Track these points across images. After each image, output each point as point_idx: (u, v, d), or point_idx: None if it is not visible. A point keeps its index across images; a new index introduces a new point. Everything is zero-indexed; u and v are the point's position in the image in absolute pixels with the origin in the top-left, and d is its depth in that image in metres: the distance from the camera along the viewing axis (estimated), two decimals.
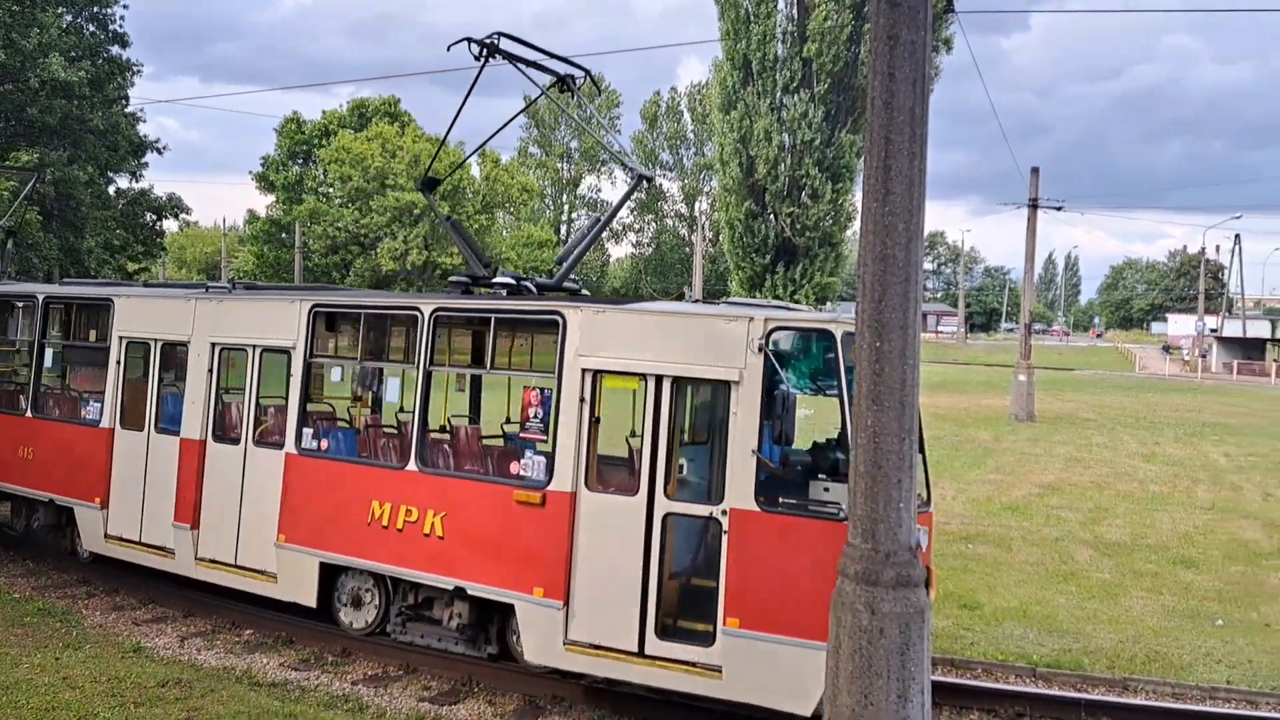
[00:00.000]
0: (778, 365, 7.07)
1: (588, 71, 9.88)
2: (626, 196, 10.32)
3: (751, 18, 38.75)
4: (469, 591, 8.33)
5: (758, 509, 7.01)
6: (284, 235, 53.84)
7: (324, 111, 58.21)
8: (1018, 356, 31.94)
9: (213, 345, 10.18)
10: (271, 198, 57.22)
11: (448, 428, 9.82)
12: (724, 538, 7.11)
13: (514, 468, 8.26)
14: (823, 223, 40.63)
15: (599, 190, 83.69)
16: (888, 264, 5.03)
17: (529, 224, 62.04)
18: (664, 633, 7.37)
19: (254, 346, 9.92)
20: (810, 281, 41.24)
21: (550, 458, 7.92)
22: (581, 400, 7.79)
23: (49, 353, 11.93)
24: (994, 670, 8.99)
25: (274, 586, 9.40)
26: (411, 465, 8.68)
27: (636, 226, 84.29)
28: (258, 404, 9.87)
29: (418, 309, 8.85)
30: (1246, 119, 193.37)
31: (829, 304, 46.20)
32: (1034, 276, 34.55)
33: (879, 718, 4.97)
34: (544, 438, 8.11)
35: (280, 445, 9.49)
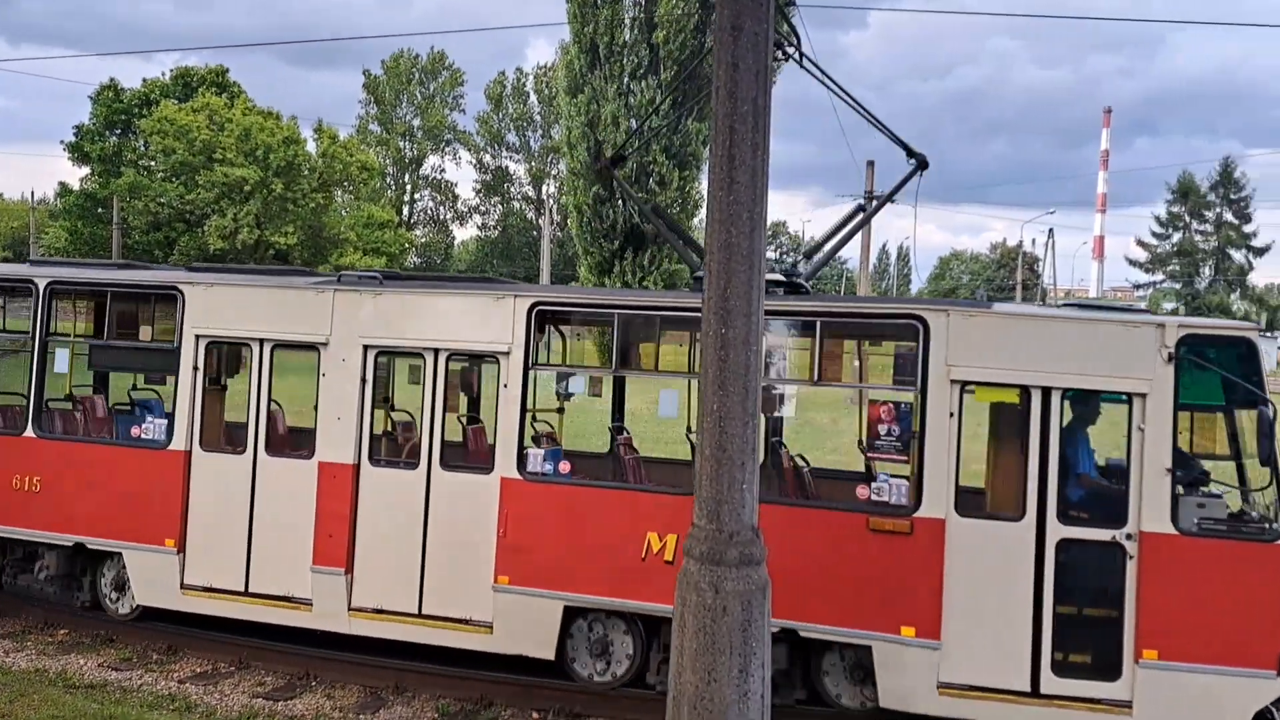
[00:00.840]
0: (1191, 375, 6.67)
1: None
2: (903, 183, 9.25)
3: (600, 2, 38.76)
4: (801, 634, 7.35)
5: (1175, 532, 6.67)
6: (100, 210, 50.43)
7: (145, 80, 54.81)
8: None
9: (365, 348, 8.43)
10: (86, 170, 53.51)
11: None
12: (1130, 563, 6.76)
13: (862, 492, 7.32)
14: (670, 210, 41.18)
15: (443, 170, 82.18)
16: (732, 252, 5.14)
17: (369, 204, 60.27)
18: (1060, 670, 6.84)
19: (436, 350, 8.34)
20: (659, 269, 41.74)
21: (917, 480, 7.11)
22: (950, 415, 7.05)
23: (59, 354, 9.42)
24: None
25: (488, 638, 8.00)
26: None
27: (483, 209, 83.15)
28: (443, 420, 8.33)
29: (916, 322, 7.32)
30: (1062, 120, 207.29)
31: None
32: (869, 266, 36.07)
33: (721, 692, 5.10)
34: (903, 458, 7.29)
35: (488, 469, 8.16)
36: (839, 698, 7.54)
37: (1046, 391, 6.94)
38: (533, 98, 79.03)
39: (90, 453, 9.15)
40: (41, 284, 9.32)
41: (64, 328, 9.69)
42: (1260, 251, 67.76)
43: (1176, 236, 69.11)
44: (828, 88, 8.60)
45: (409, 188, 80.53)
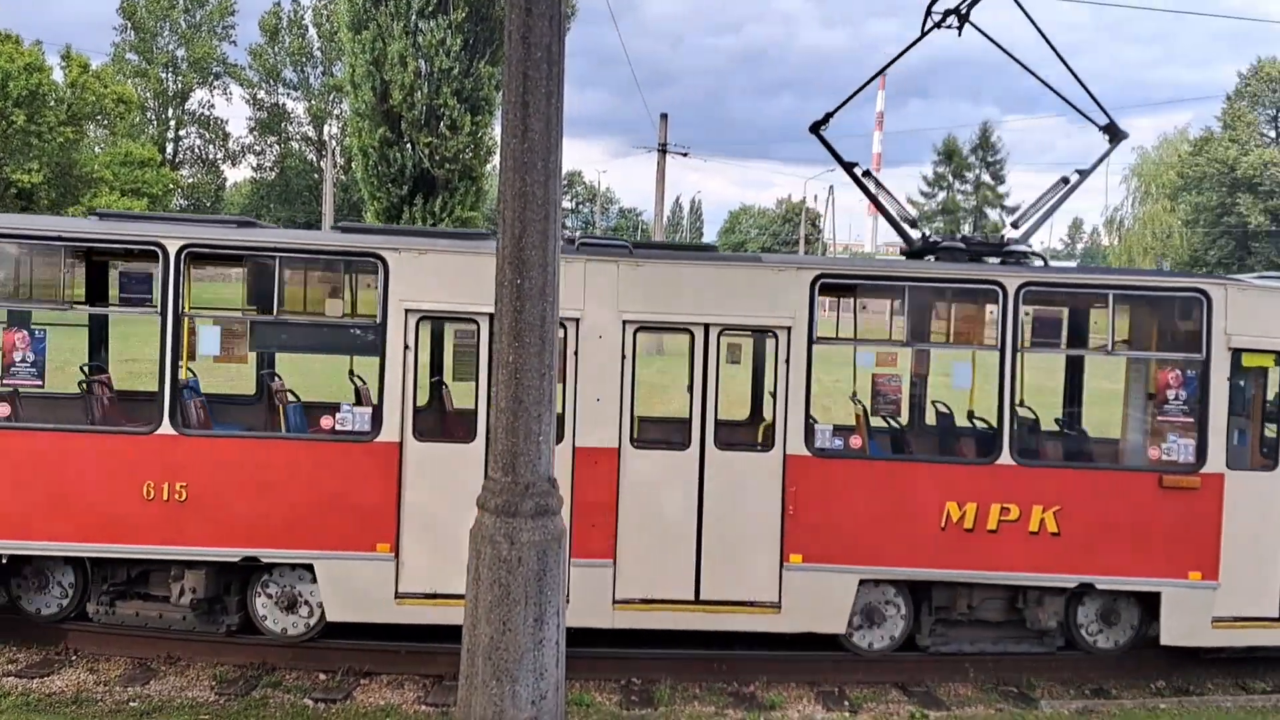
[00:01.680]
0: None
1: None
2: (1103, 158, 9.31)
3: None
4: (1098, 586, 8.10)
5: None
6: None
7: None
8: None
9: (625, 323, 7.88)
10: None
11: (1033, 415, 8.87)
12: None
13: (1154, 454, 8.12)
14: (463, 155, 40.12)
15: (211, 106, 76.47)
16: (527, 201, 5.06)
17: (127, 140, 55.40)
18: None
19: (707, 326, 7.94)
20: (451, 215, 40.74)
21: (1201, 440, 7.94)
22: (1227, 380, 7.87)
23: (205, 332, 7.85)
24: None
25: (775, 618, 7.93)
26: (1005, 459, 7.91)
27: (258, 149, 78.19)
28: (716, 398, 7.95)
29: (999, 284, 7.87)
30: (843, 80, 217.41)
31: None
32: (664, 218, 36.66)
33: (516, 642, 5.12)
34: (1190, 420, 8.01)
35: (768, 447, 7.95)
36: (1095, 643, 8.46)
37: None
38: (312, 31, 74.73)
39: (261, 450, 7.77)
40: (173, 247, 7.62)
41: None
42: (1012, 210, 73.95)
43: (941, 195, 74.28)
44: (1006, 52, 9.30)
45: (173, 124, 74.56)
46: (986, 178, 73.32)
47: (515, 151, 5.05)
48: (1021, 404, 8.56)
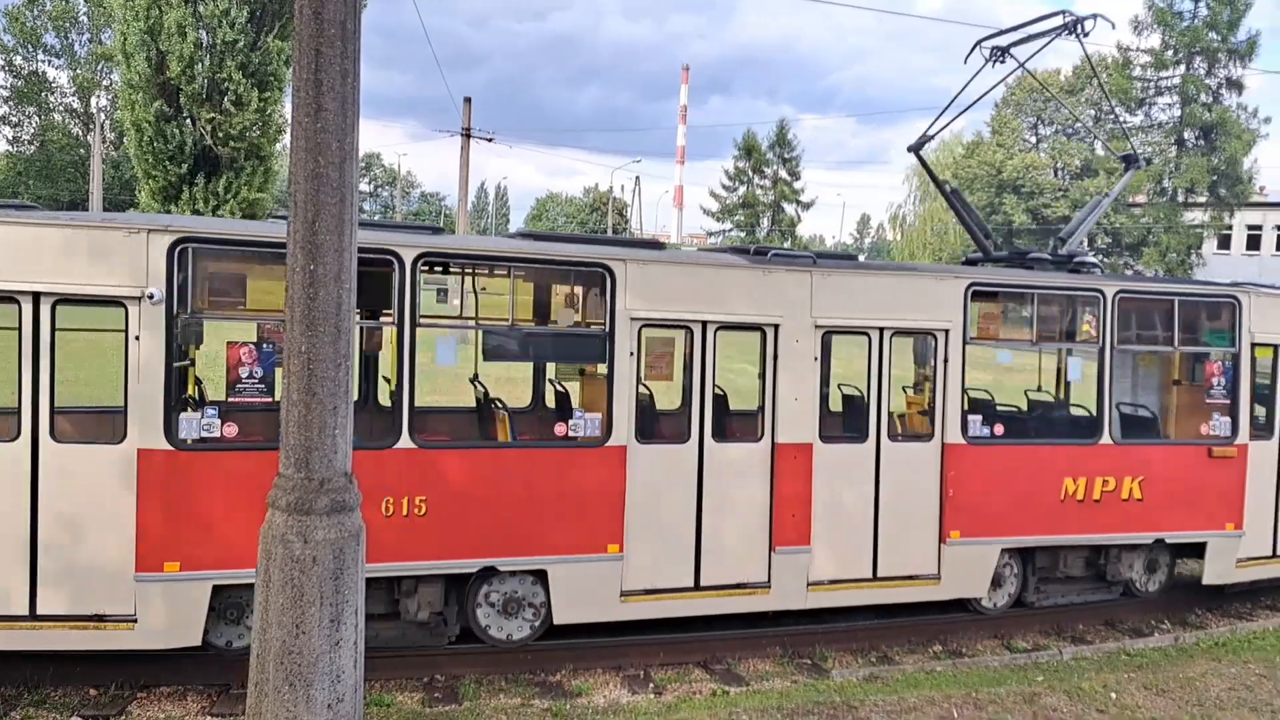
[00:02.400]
0: None
1: None
2: (1124, 184, 11.34)
3: None
4: (1167, 540, 9.97)
5: None
6: None
7: None
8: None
9: (816, 328, 8.53)
10: None
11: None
12: None
13: (1204, 429, 10.02)
14: (249, 133, 38.03)
15: None
16: (321, 183, 4.84)
17: None
18: None
19: (881, 329, 8.87)
20: (236, 196, 38.53)
21: (1234, 419, 10.03)
22: (1251, 372, 10.05)
23: (443, 344, 7.87)
24: None
25: (934, 589, 9.08)
26: (1106, 439, 9.50)
27: (14, 120, 71.14)
28: (889, 394, 8.91)
29: (1100, 291, 9.51)
30: (648, 73, 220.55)
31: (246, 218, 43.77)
32: (468, 204, 36.04)
33: (310, 644, 4.91)
34: (1227, 401, 10.00)
35: (929, 436, 9.01)
36: (1146, 589, 10.25)
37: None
38: None
39: (497, 459, 7.83)
40: (409, 256, 7.43)
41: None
42: (807, 206, 77.40)
43: (742, 190, 76.81)
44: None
45: None
46: (784, 174, 76.52)
47: (308, 131, 4.81)
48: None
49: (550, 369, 9.94)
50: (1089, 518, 9.49)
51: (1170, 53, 58.18)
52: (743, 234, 77.29)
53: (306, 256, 4.86)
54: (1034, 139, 68.79)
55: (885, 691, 7.54)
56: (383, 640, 7.72)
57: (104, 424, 7.40)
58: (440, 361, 7.83)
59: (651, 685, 8.03)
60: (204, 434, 7.05)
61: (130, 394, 6.89)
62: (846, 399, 9.53)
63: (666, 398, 9.11)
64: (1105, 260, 60.54)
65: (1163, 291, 10.19)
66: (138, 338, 6.88)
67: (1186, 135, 58.88)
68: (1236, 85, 57.67)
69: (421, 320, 7.54)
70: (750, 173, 76.60)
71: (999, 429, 9.34)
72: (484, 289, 8.95)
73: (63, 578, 6.81)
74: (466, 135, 32.18)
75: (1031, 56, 10.85)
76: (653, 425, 8.60)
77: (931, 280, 9.10)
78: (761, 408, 8.55)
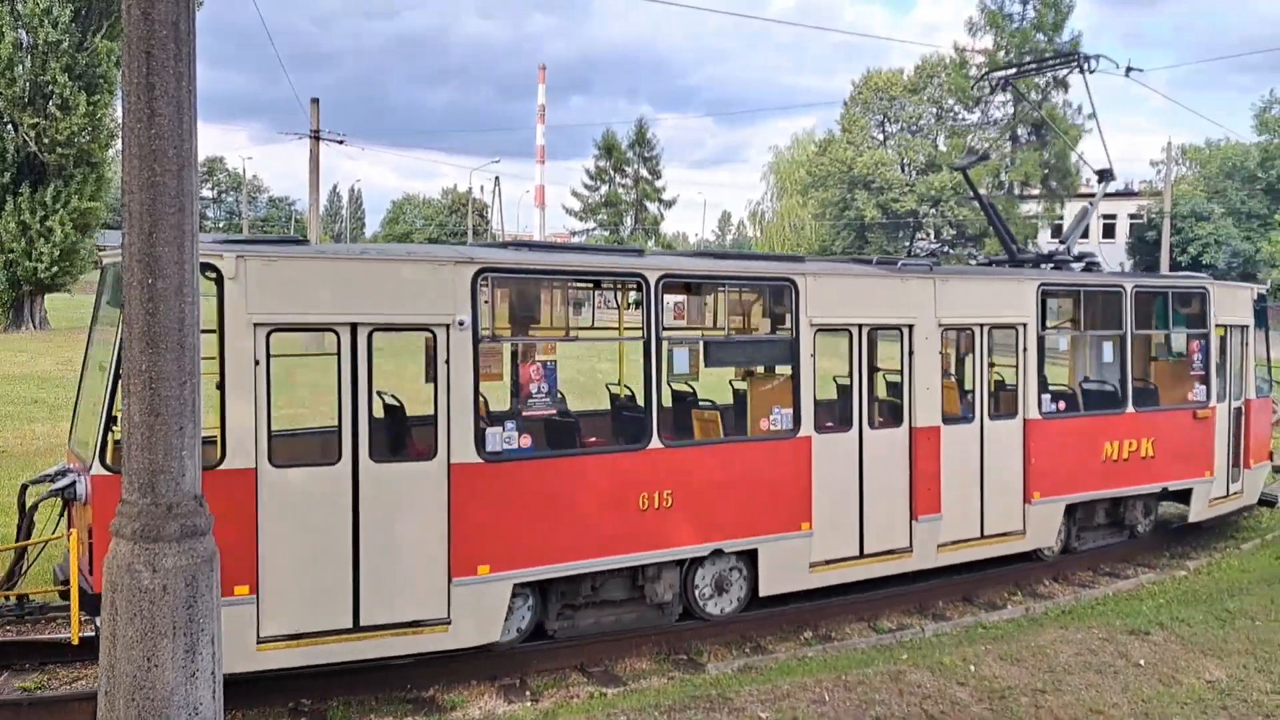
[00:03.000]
0: None
1: None
2: (1101, 196, 13.68)
3: None
4: (1169, 488, 12.19)
5: None
6: None
7: None
8: None
9: (939, 326, 10.16)
10: None
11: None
12: None
13: (1190, 396, 12.39)
14: (78, 139, 35.86)
15: None
16: (158, 193, 4.58)
17: None
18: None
19: (981, 325, 10.60)
20: (66, 206, 36.27)
21: (1208, 387, 12.45)
22: (1221, 347, 12.52)
23: (679, 353, 8.87)
24: None
25: (1021, 542, 10.86)
26: (1129, 409, 11.70)
27: None
28: (989, 380, 10.67)
29: (1122, 288, 11.72)
30: (505, 72, 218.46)
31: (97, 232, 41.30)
32: (320, 208, 34.93)
33: (164, 677, 4.66)
34: (1203, 373, 12.48)
35: (1014, 414, 10.71)
36: (1142, 532, 12.49)
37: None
38: None
39: (722, 454, 9.01)
40: (653, 277, 8.56)
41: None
42: (669, 204, 78.35)
43: (604, 189, 77.08)
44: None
45: None
46: (645, 172, 77.17)
47: (141, 138, 4.55)
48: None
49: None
50: (1119, 474, 11.68)
51: (1002, 53, 61.41)
52: (606, 233, 77.58)
53: (144, 270, 4.59)
54: (881, 136, 71.45)
55: (760, 681, 7.69)
56: (623, 624, 8.82)
57: (412, 441, 8.26)
58: (676, 370, 8.92)
59: (529, 693, 7.97)
60: (505, 446, 7.88)
61: (440, 412, 7.57)
62: (960, 386, 10.98)
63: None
64: (951, 251, 63.44)
65: (1162, 286, 12.58)
66: (447, 361, 7.58)
67: (1020, 131, 62.27)
68: (1062, 84, 61.28)
69: (664, 334, 8.69)
70: (611, 172, 76.97)
71: (1061, 405, 11.28)
72: (696, 304, 10.84)
73: (382, 589, 7.40)
74: (315, 137, 31.20)
75: (1042, 83, 13.08)
76: (824, 418, 9.80)
77: (1014, 283, 11.04)
78: (901, 397, 10.04)
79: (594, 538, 8.25)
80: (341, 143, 32.45)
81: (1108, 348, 11.94)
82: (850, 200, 67.22)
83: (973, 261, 60.39)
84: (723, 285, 9.74)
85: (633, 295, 8.95)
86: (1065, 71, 13.44)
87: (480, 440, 7.73)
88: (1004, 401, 11.03)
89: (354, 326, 7.35)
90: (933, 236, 66.90)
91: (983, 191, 63.50)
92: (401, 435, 8.37)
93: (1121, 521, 12.29)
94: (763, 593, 9.16)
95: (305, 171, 32.28)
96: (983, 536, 10.51)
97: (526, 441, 8.05)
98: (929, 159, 66.64)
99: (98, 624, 6.21)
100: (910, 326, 9.95)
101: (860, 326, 9.73)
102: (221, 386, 6.96)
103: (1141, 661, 7.89)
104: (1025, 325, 10.86)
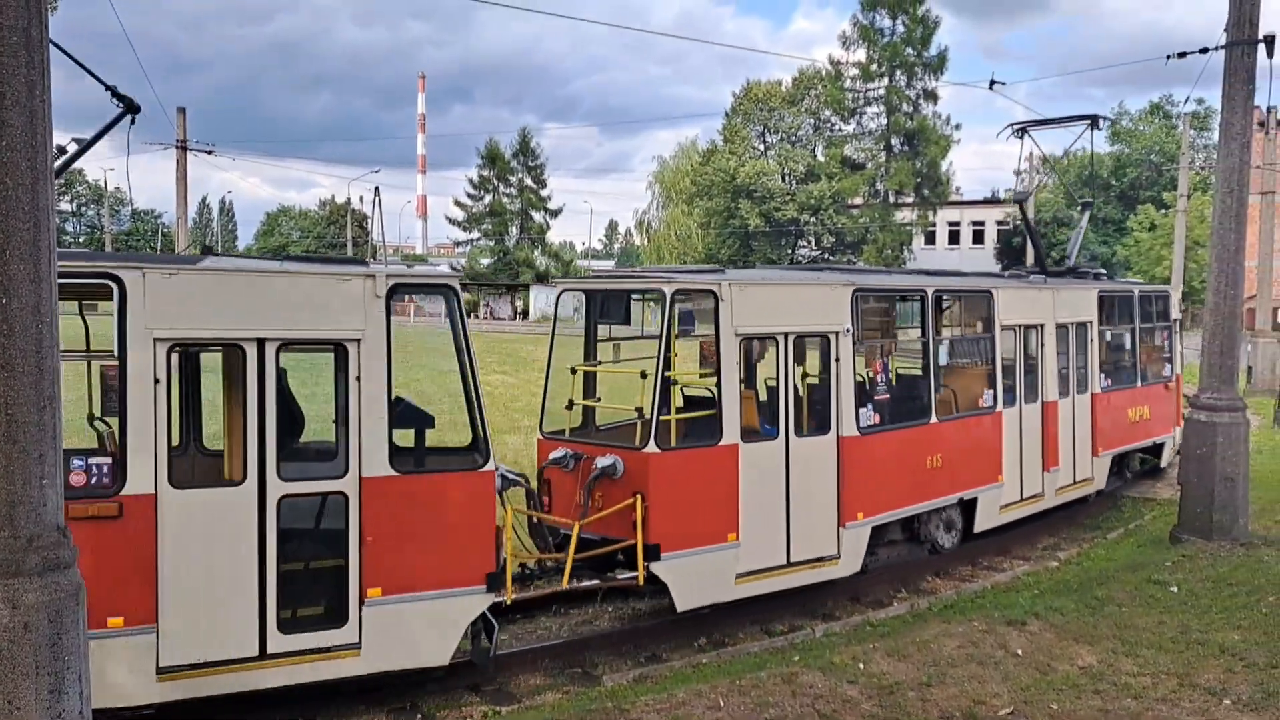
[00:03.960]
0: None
1: None
2: (1085, 221, 17.93)
3: None
4: (1156, 441, 16.39)
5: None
6: None
7: None
8: None
9: (1057, 326, 13.52)
10: None
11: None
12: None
13: (1164, 373, 16.41)
14: None
15: None
16: (10, 208, 4.33)
17: None
18: None
19: (1080, 323, 14.21)
20: None
21: (1172, 365, 16.93)
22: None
23: (941, 350, 12.33)
24: None
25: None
26: (1139, 383, 15.71)
27: None
28: (1055, 371, 13.49)
29: (1131, 291, 15.91)
30: (383, 80, 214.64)
31: None
32: (188, 220, 33.61)
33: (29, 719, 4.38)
34: (1169, 356, 16.75)
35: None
36: (1129, 476, 16.25)
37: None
38: None
39: (963, 425, 12.09)
40: (930, 292, 11.80)
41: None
42: (555, 213, 78.25)
43: (488, 198, 76.45)
44: None
45: None
46: (529, 181, 76.91)
47: None
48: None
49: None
50: (1133, 432, 15.46)
51: (875, 66, 63.52)
52: (491, 242, 76.92)
53: None
54: (762, 146, 72.94)
55: (656, 690, 7.70)
56: (895, 558, 11.64)
57: (811, 420, 10.27)
58: (942, 362, 12.11)
59: (420, 716, 7.79)
60: (869, 422, 10.51)
61: (832, 398, 10.17)
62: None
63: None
64: (830, 258, 65.15)
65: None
66: (838, 360, 10.13)
67: (893, 142, 64.44)
68: (932, 96, 63.76)
69: (937, 337, 11.93)
70: (495, 181, 76.46)
71: (1108, 381, 14.68)
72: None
73: (799, 535, 9.82)
74: (182, 148, 30.03)
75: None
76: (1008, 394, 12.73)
77: (1082, 290, 14.39)
78: (1038, 378, 13.43)
79: (910, 488, 11.09)
80: (210, 153, 31.32)
81: (1126, 336, 14.66)
82: (734, 209, 68.41)
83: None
84: (944, 296, 12.98)
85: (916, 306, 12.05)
86: (1082, 128, 15.52)
87: (858, 419, 10.27)
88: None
89: (786, 336, 9.87)
90: (814, 244, 68.58)
91: (858, 200, 65.09)
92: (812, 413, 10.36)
93: (1124, 473, 15.20)
94: (976, 530, 12.31)
95: (173, 183, 31.03)
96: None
97: (876, 419, 10.64)
98: (808, 168, 68.33)
99: None
100: (1040, 326, 13.25)
101: (1041, 326, 13.28)
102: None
103: (1019, 651, 8.21)
104: (1090, 323, 14.20)
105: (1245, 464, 11.84)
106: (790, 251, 68.13)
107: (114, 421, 6.96)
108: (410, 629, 7.42)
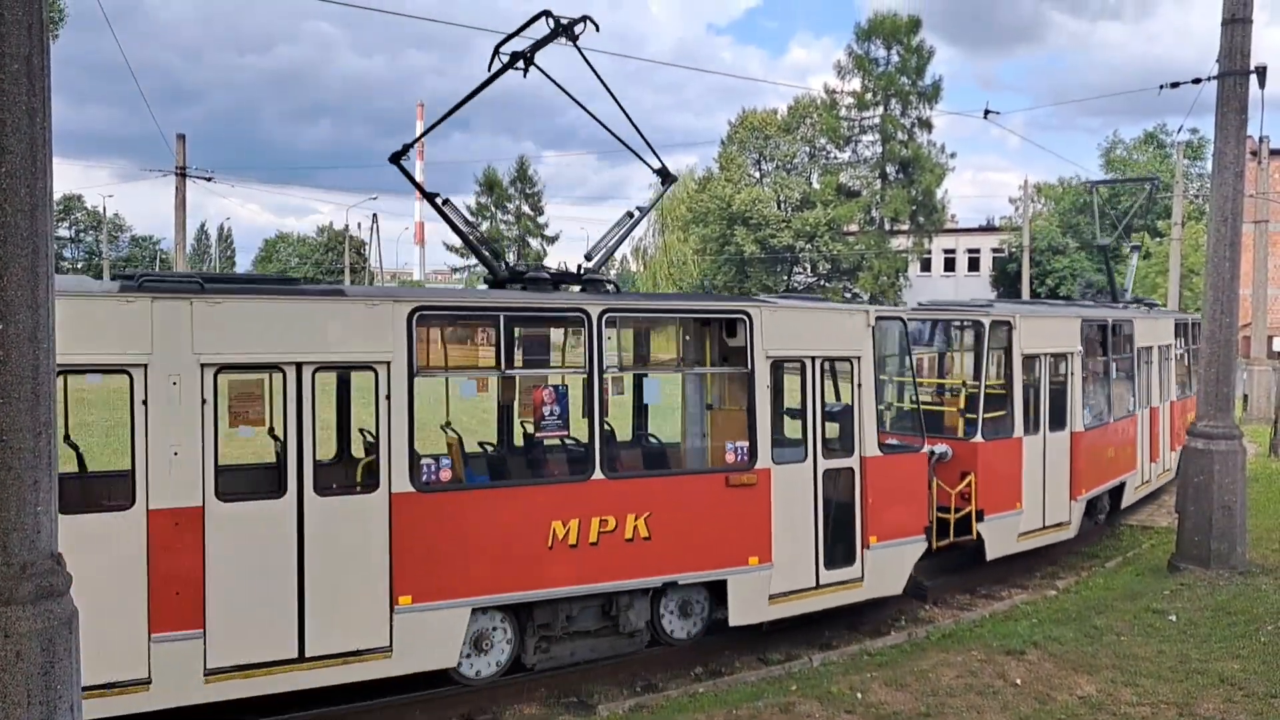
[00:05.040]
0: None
1: None
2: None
3: None
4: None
5: None
6: None
7: None
8: None
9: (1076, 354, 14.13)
10: None
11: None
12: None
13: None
14: None
15: None
16: (9, 234, 4.33)
17: None
18: None
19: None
20: None
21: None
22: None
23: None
24: None
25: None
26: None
27: None
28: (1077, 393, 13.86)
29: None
30: (382, 108, 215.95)
31: None
32: (186, 247, 33.67)
33: None
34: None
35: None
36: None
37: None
38: None
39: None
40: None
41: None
42: (552, 239, 78.52)
43: (485, 225, 76.67)
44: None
45: None
46: (527, 208, 77.19)
47: None
48: None
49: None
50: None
51: (870, 95, 63.98)
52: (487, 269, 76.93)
53: None
54: (758, 174, 73.30)
55: None
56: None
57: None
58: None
59: None
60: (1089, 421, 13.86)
61: (1068, 400, 13.33)
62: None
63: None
64: (826, 285, 65.32)
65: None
66: (1072, 374, 13.47)
67: (889, 169, 64.80)
68: (927, 124, 64.19)
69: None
70: (493, 208, 76.69)
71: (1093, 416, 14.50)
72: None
73: (1050, 505, 13.17)
74: (181, 174, 30.13)
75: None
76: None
77: (1165, 321, 17.48)
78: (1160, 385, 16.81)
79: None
80: (210, 179, 31.43)
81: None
82: (730, 236, 68.61)
83: (847, 295, 62.28)
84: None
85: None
86: (1145, 193, 18.28)
87: (1083, 417, 13.59)
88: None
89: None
90: (809, 270, 68.77)
91: (854, 227, 65.34)
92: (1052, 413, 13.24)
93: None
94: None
95: (171, 209, 31.10)
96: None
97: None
98: (804, 196, 68.63)
99: None
100: (1164, 346, 17.37)
101: (1066, 354, 14.02)
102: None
103: (1018, 681, 8.16)
104: (1168, 346, 17.60)
105: (1243, 492, 11.83)
106: (786, 279, 68.28)
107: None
108: (890, 566, 10.41)
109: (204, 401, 7.21)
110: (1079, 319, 13.82)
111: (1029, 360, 12.79)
